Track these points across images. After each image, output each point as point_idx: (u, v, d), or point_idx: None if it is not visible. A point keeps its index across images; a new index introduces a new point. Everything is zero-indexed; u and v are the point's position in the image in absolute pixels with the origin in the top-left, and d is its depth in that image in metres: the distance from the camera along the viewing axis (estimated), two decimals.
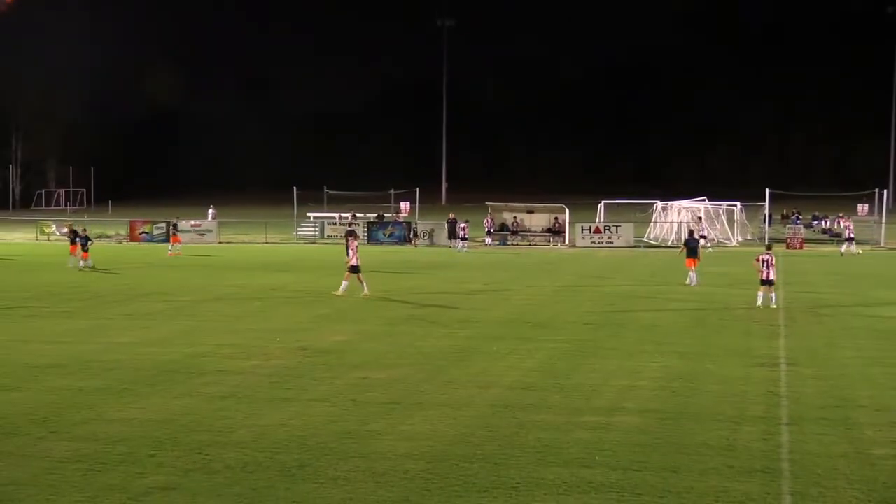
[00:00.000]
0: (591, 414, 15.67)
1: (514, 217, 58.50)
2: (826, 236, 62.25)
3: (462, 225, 53.83)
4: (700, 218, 55.25)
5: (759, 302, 28.10)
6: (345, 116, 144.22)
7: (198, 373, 18.88)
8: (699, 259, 35.13)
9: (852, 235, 50.30)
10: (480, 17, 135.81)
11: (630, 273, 39.41)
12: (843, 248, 49.52)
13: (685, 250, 35.17)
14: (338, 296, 30.46)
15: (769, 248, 30.51)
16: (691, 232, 39.40)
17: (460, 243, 52.96)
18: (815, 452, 13.54)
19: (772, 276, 28.04)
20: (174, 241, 51.88)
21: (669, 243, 54.54)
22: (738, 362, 19.87)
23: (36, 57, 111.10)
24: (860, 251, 49.08)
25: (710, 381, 18.10)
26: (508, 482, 12.34)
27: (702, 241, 43.48)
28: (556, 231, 56.72)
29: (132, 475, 12.65)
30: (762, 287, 28.22)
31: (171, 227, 54.98)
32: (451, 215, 57.13)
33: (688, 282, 34.03)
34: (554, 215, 58.05)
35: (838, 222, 65.28)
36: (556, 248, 54.58)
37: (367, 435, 14.43)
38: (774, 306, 27.91)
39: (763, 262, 28.14)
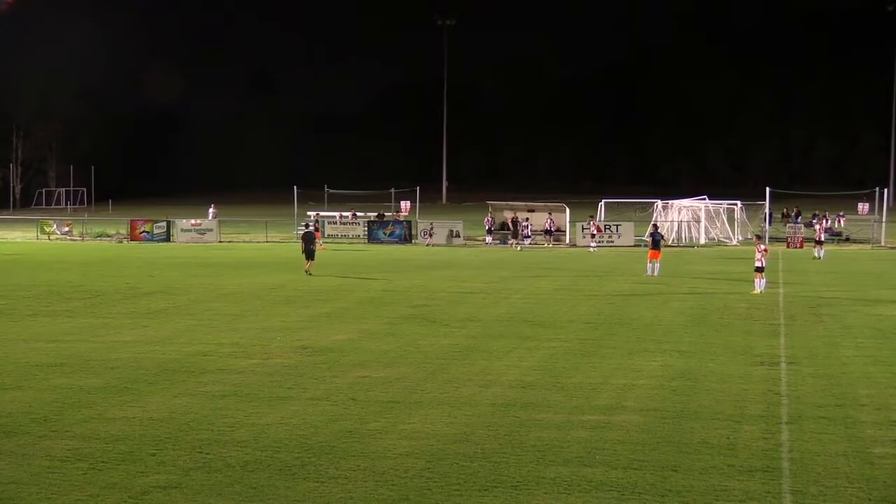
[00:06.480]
0: (592, 413, 15.69)
1: (515, 216, 58.37)
2: (826, 235, 62.09)
3: (524, 223, 54.97)
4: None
5: (757, 289, 31.08)
6: (345, 115, 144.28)
7: (198, 371, 18.91)
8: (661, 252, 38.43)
9: (822, 238, 47.74)
10: (480, 17, 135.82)
11: (629, 271, 39.34)
12: (816, 251, 46.39)
13: (650, 243, 38.81)
14: None
15: (760, 239, 37.16)
16: (655, 227, 42.31)
17: (525, 241, 53.85)
18: (815, 451, 13.56)
19: (760, 265, 31.34)
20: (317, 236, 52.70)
21: (669, 242, 54.46)
22: (739, 361, 19.89)
23: (36, 56, 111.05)
24: (821, 255, 45.83)
25: (711, 379, 18.12)
26: (508, 481, 12.36)
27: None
28: (548, 231, 56.02)
29: (133, 474, 12.68)
30: (756, 274, 31.46)
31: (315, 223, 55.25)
32: (514, 214, 57.35)
33: (648, 273, 36.76)
34: (548, 215, 57.44)
35: (839, 221, 65.28)
36: (549, 248, 54.02)
37: (367, 434, 14.45)
38: (762, 290, 30.94)
39: (760, 251, 31.69)
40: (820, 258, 45.59)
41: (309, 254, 37.47)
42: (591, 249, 51.32)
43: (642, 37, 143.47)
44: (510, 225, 56.82)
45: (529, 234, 54.48)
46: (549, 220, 56.27)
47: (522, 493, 11.94)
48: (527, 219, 55.82)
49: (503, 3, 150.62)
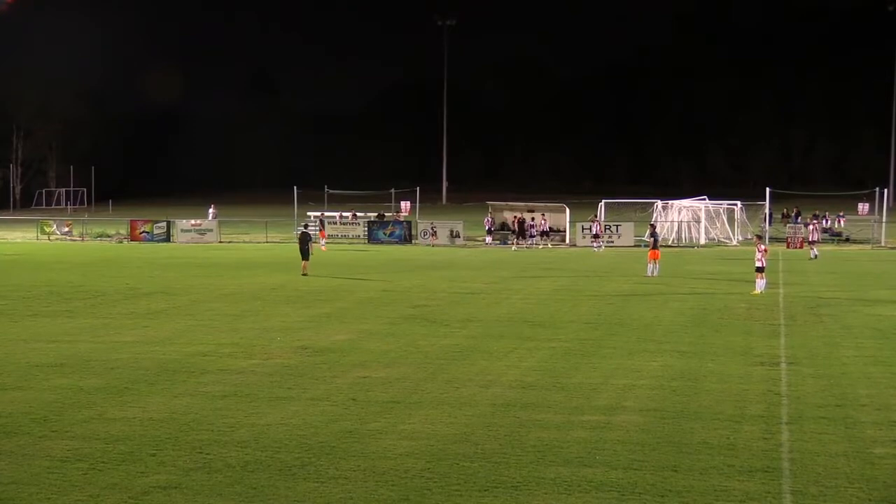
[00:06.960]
0: (592, 413, 15.69)
1: (515, 217, 58.30)
2: (826, 235, 62.10)
3: (531, 224, 55.15)
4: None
5: (758, 289, 31.10)
6: (345, 115, 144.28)
7: (199, 372, 18.91)
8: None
9: (815, 238, 47.65)
10: (480, 17, 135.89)
11: (629, 271, 39.33)
12: (811, 252, 46.47)
13: (651, 243, 38.70)
14: None
15: (760, 239, 36.89)
16: (653, 227, 42.23)
17: (529, 241, 54.08)
18: (815, 451, 13.56)
19: (761, 265, 31.48)
20: (322, 236, 53.06)
21: (669, 243, 54.46)
22: (739, 361, 19.89)
23: (36, 56, 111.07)
24: (816, 254, 46.04)
25: (711, 379, 18.12)
26: (508, 481, 12.36)
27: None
28: (544, 232, 55.73)
29: (133, 474, 12.68)
30: (757, 274, 31.47)
31: (319, 223, 55.52)
32: (519, 215, 57.27)
33: (648, 273, 36.87)
34: (541, 214, 57.25)
35: (839, 221, 65.27)
36: (548, 249, 53.77)
37: (367, 434, 14.45)
38: (762, 291, 30.95)
39: (760, 251, 31.88)
40: (818, 256, 45.67)
41: (303, 254, 37.86)
42: (595, 249, 51.30)
43: (642, 37, 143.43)
44: (513, 225, 56.60)
45: (535, 234, 54.62)
46: (542, 221, 55.99)
47: (522, 494, 11.94)
48: (532, 219, 55.84)
49: (503, 3, 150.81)
